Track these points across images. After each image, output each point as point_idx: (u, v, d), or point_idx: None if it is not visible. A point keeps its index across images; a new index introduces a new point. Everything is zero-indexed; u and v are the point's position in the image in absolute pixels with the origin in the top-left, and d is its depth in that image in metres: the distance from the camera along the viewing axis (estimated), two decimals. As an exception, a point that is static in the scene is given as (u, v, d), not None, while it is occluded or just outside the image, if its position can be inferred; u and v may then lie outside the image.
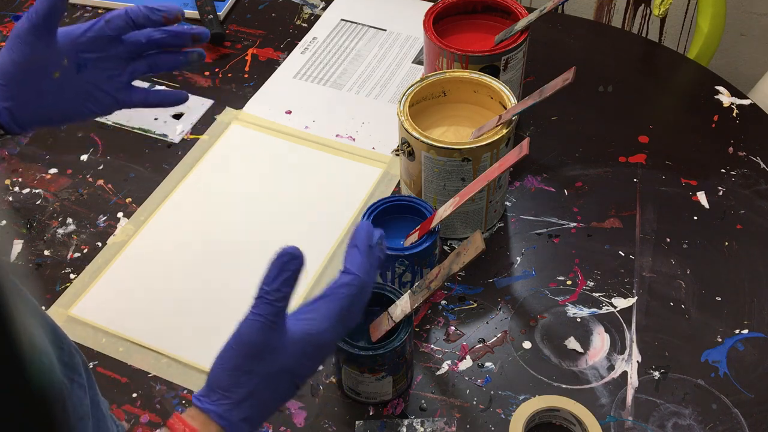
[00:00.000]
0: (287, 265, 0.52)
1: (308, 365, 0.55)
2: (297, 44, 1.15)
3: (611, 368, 0.77)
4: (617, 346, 0.79)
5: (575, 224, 0.90)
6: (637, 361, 0.78)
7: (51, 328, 0.58)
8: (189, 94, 0.76)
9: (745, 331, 0.80)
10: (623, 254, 0.87)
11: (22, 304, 0.54)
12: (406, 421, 0.73)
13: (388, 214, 0.81)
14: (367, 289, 0.56)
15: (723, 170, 0.95)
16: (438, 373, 0.77)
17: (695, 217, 0.90)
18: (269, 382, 0.53)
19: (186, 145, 1.00)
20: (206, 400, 0.53)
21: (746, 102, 1.03)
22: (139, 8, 0.68)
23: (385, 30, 1.17)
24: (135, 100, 0.72)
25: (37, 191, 0.96)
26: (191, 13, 1.20)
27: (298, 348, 0.53)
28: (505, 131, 0.80)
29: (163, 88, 0.73)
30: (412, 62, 1.12)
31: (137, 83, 0.75)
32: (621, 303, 0.82)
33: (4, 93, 0.65)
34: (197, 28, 0.72)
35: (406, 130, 0.81)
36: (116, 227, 0.91)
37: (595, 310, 0.82)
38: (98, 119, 1.03)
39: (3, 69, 0.65)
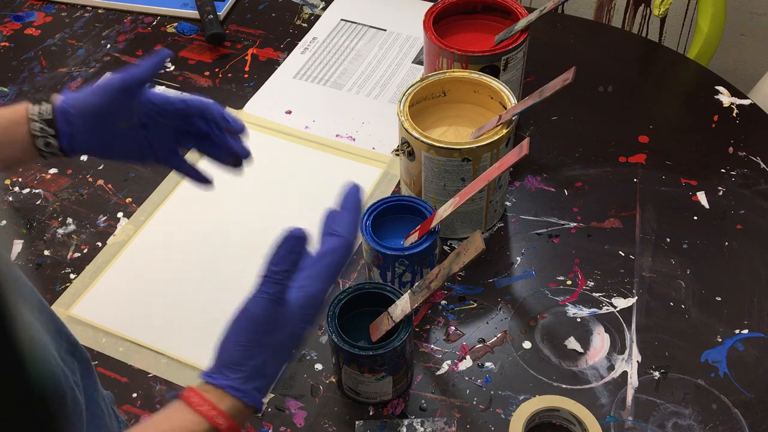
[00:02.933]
0: (294, 247, 0.56)
1: (307, 327, 0.58)
2: (297, 44, 1.15)
3: (611, 368, 0.77)
4: (617, 346, 0.79)
5: (575, 224, 0.90)
6: (637, 361, 0.78)
7: (53, 321, 0.58)
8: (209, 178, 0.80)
9: (745, 331, 0.80)
10: (623, 254, 0.87)
11: (24, 299, 0.54)
12: (406, 421, 0.73)
13: (388, 214, 0.81)
14: (353, 248, 0.60)
15: (723, 170, 0.95)
16: (438, 373, 0.77)
17: (695, 217, 0.90)
18: (277, 352, 0.56)
19: (186, 145, 1.00)
20: (219, 376, 0.55)
21: (746, 102, 1.03)
22: (217, 108, 0.76)
23: (385, 30, 1.17)
24: (171, 163, 0.78)
25: (37, 191, 0.96)
26: (191, 13, 1.20)
27: (298, 314, 0.56)
28: (505, 131, 0.80)
29: (189, 161, 0.79)
30: (412, 62, 1.12)
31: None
32: (621, 303, 0.82)
33: (71, 120, 0.70)
34: (244, 152, 0.78)
35: (406, 130, 0.81)
36: (116, 227, 0.91)
37: (595, 310, 0.82)
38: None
39: (81, 103, 0.71)
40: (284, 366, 0.58)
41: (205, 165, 0.80)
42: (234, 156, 0.78)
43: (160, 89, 1.08)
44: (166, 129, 0.75)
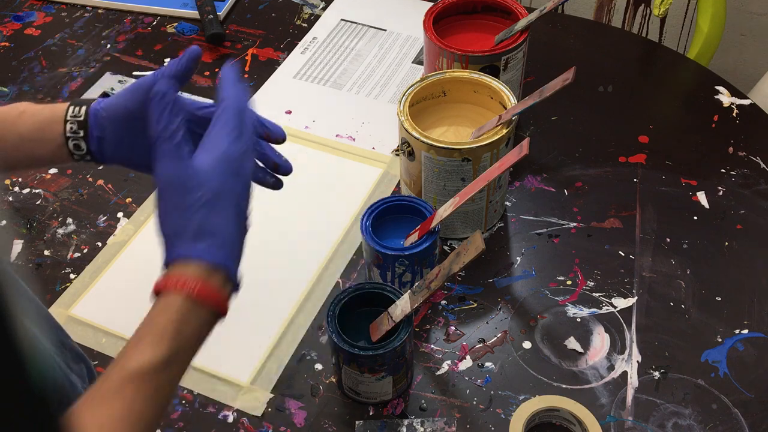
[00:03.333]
0: (166, 97, 0.57)
1: (237, 183, 0.57)
2: (297, 44, 1.16)
3: (611, 368, 0.77)
4: (617, 346, 0.79)
5: (575, 224, 0.90)
6: (637, 361, 0.78)
7: (55, 330, 0.58)
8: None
9: (745, 331, 0.80)
10: (623, 254, 0.87)
11: (22, 305, 0.54)
12: (406, 421, 0.73)
13: (388, 214, 0.81)
14: (244, 108, 0.59)
15: (723, 170, 0.95)
16: (438, 373, 0.77)
17: (695, 217, 0.90)
18: (212, 210, 0.55)
19: (186, 145, 1.00)
20: (167, 253, 0.55)
21: (746, 102, 1.03)
22: (254, 113, 0.72)
23: (385, 30, 1.17)
24: None
25: (37, 191, 0.96)
26: (191, 13, 1.20)
27: (216, 171, 0.56)
28: (505, 131, 0.80)
29: None
30: (412, 62, 1.12)
31: None
32: (621, 303, 0.82)
33: (102, 124, 0.69)
34: (285, 164, 0.75)
35: (406, 130, 0.81)
36: (116, 227, 0.91)
37: (595, 310, 0.82)
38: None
39: (113, 107, 0.69)
40: (239, 229, 0.57)
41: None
42: (274, 171, 0.74)
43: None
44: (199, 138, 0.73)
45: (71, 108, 0.69)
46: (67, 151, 0.69)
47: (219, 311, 0.54)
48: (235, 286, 0.57)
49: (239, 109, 0.59)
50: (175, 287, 0.53)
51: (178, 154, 0.55)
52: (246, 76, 1.10)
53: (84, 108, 0.69)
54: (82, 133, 0.69)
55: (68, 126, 0.68)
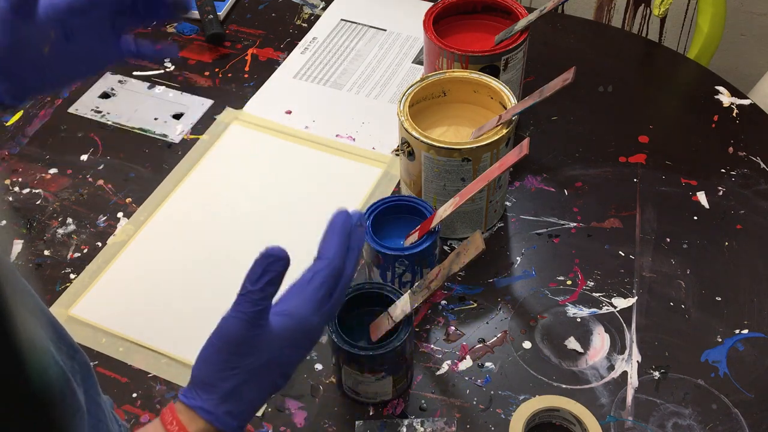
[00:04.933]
0: (271, 266, 0.53)
1: (296, 354, 0.56)
2: (297, 44, 1.15)
3: (611, 368, 0.77)
4: (617, 346, 0.79)
5: (575, 224, 0.90)
6: (637, 361, 0.78)
7: (52, 324, 0.57)
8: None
9: (745, 331, 0.80)
10: (623, 254, 0.87)
11: (23, 302, 0.54)
12: (406, 421, 0.73)
13: (388, 214, 0.81)
14: (341, 274, 0.57)
15: (723, 170, 0.95)
16: (438, 373, 0.77)
17: (695, 217, 0.90)
18: (254, 376, 0.54)
19: (186, 145, 1.00)
20: (192, 395, 0.54)
21: (746, 102, 1.03)
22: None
23: (385, 30, 1.17)
24: (126, 54, 0.70)
25: (37, 191, 0.96)
26: (191, 13, 1.20)
27: (282, 341, 0.54)
28: (505, 131, 0.80)
29: (142, 41, 0.70)
30: (412, 62, 1.12)
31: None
32: (621, 303, 0.82)
33: None
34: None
35: (406, 130, 0.81)
36: (116, 227, 0.91)
37: (595, 310, 0.82)
38: (98, 119, 1.04)
39: None
40: (269, 393, 0.56)
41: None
42: (175, 7, 0.69)
43: (159, 89, 1.08)
44: (93, 24, 0.66)
45: None
46: None
47: None
48: None
49: (335, 273, 0.55)
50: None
51: (253, 319, 0.53)
52: (246, 76, 1.10)
53: None
54: None
55: None
